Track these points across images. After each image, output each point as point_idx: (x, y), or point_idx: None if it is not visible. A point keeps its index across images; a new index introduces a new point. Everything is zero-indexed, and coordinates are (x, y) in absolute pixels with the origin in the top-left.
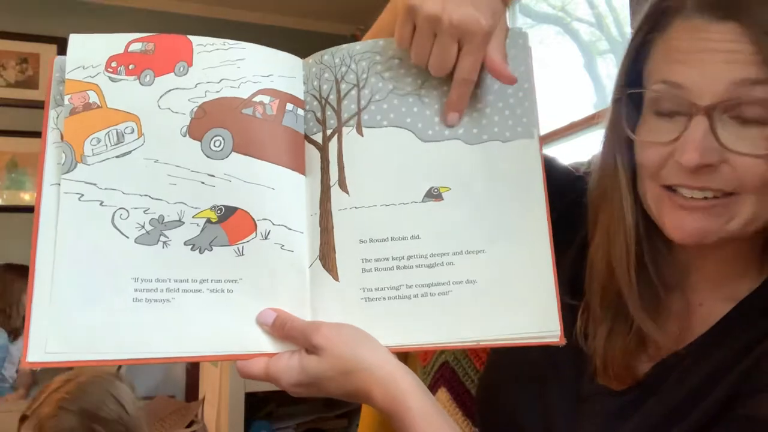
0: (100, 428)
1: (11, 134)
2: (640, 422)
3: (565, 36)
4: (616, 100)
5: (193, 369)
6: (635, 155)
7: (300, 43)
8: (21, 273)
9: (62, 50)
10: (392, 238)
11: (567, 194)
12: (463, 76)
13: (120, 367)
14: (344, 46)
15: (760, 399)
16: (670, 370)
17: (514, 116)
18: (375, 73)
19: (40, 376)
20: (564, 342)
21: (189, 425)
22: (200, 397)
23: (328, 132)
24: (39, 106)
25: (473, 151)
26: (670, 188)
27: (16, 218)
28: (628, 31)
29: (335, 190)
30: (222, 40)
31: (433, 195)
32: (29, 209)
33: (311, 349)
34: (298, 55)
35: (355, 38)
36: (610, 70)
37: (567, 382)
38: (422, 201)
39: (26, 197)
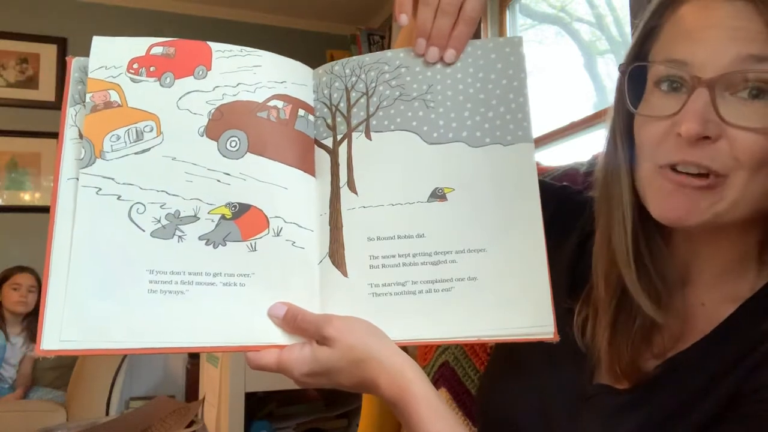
0: None
1: (11, 134)
2: (642, 420)
3: (565, 36)
4: (621, 79)
5: (193, 369)
6: (635, 138)
7: (300, 43)
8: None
9: (62, 50)
10: (398, 236)
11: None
12: (469, 13)
13: (123, 359)
14: (354, 57)
15: (761, 396)
16: (675, 368)
17: (515, 121)
18: (383, 81)
19: (39, 376)
20: (558, 339)
21: (189, 425)
22: (200, 397)
23: (338, 137)
24: (39, 106)
25: (476, 154)
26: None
27: (16, 218)
28: (628, 31)
29: (344, 191)
30: (240, 47)
31: (438, 195)
32: (29, 209)
33: (322, 340)
34: (299, 55)
35: (355, 38)
36: (610, 70)
37: (567, 381)
38: (427, 201)
39: (26, 197)
